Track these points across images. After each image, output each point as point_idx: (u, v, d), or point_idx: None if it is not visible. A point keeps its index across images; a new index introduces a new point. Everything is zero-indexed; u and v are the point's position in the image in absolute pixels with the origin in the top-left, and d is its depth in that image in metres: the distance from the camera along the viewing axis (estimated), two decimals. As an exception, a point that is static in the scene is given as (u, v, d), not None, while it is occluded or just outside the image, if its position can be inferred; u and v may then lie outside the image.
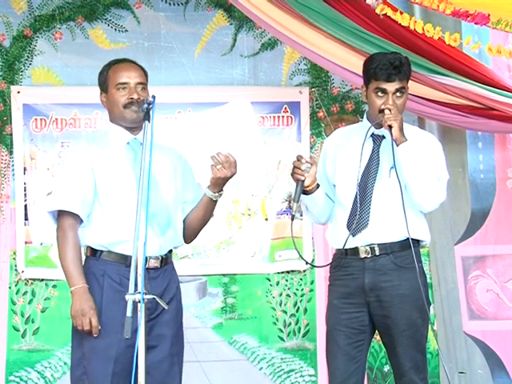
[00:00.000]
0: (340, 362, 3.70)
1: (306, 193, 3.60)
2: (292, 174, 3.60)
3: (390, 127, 3.46)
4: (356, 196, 3.66)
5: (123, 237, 3.20)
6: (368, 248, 3.63)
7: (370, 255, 3.64)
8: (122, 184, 3.30)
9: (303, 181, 3.45)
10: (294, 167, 3.53)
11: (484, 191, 5.26)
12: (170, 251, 3.36)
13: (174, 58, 5.30)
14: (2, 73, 5.07)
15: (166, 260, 3.33)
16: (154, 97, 3.13)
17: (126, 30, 5.15)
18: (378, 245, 3.62)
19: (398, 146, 3.48)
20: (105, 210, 3.27)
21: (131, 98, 3.25)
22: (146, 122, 3.10)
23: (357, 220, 3.64)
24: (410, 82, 3.79)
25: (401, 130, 3.49)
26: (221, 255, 5.24)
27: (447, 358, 5.04)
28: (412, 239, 3.59)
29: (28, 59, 5.13)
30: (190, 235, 3.48)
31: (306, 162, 3.42)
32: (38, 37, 5.16)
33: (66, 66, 5.23)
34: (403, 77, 3.56)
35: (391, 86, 3.53)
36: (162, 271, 3.31)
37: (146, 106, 3.14)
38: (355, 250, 3.67)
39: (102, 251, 3.25)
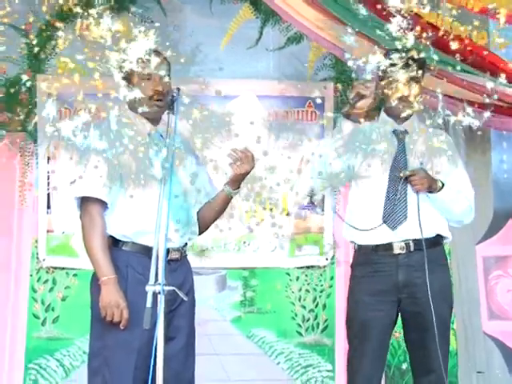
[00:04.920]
0: (368, 360, 3.70)
1: None
2: None
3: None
4: (388, 190, 3.67)
5: (147, 228, 3.18)
6: (403, 244, 3.62)
7: (404, 251, 3.64)
8: (145, 175, 3.30)
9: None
10: None
11: (507, 191, 5.26)
12: (186, 244, 3.40)
13: (199, 50, 5.31)
14: (27, 62, 5.08)
15: (184, 252, 3.37)
16: (178, 89, 3.14)
17: (152, 22, 5.11)
18: (413, 240, 3.61)
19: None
20: (129, 199, 3.27)
21: (156, 90, 3.26)
22: (170, 114, 3.13)
23: (395, 214, 3.65)
24: (435, 79, 3.83)
25: (429, 186, 3.58)
26: (241, 249, 5.27)
27: (466, 357, 5.05)
28: (440, 236, 3.65)
29: (53, 49, 5.15)
30: (202, 228, 3.51)
31: None
32: (63, 26, 5.11)
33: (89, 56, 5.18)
34: (417, 66, 3.60)
35: (408, 71, 3.57)
36: (181, 263, 3.34)
37: (169, 98, 3.14)
38: (388, 246, 3.65)
39: (124, 242, 3.26)
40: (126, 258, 3.23)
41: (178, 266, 3.30)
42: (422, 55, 3.64)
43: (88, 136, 3.53)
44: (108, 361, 3.20)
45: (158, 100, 3.28)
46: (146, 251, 3.18)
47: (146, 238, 3.21)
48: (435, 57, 3.80)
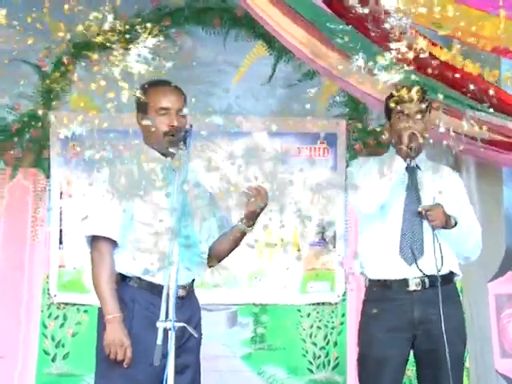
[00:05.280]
0: None
1: None
2: None
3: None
4: (404, 225, 3.68)
5: (155, 266, 3.20)
6: (419, 280, 3.61)
7: (420, 287, 3.63)
8: (156, 212, 3.30)
9: None
10: None
11: (520, 228, 5.31)
12: (193, 280, 3.40)
13: (212, 86, 5.35)
14: (41, 99, 5.13)
15: (190, 288, 3.37)
16: (191, 126, 3.14)
17: (164, 59, 5.07)
18: (428, 277, 3.60)
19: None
20: (138, 237, 3.28)
21: (172, 126, 3.27)
22: (182, 150, 3.12)
23: (412, 249, 3.64)
24: (445, 116, 3.93)
25: (445, 221, 3.62)
26: (252, 285, 5.25)
27: None
28: (452, 272, 3.66)
29: (66, 85, 5.18)
30: (214, 260, 3.51)
31: None
32: (76, 64, 5.19)
33: (102, 92, 5.21)
34: (423, 100, 3.68)
35: (412, 107, 3.65)
36: (188, 299, 3.35)
37: (183, 134, 3.14)
38: (403, 282, 3.65)
39: (131, 278, 3.27)
40: (132, 292, 3.24)
41: (184, 302, 3.31)
42: (427, 91, 3.75)
43: (101, 172, 3.56)
44: None
45: (172, 135, 3.29)
46: (151, 287, 3.22)
47: (152, 277, 3.24)
48: (441, 94, 3.89)
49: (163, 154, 3.33)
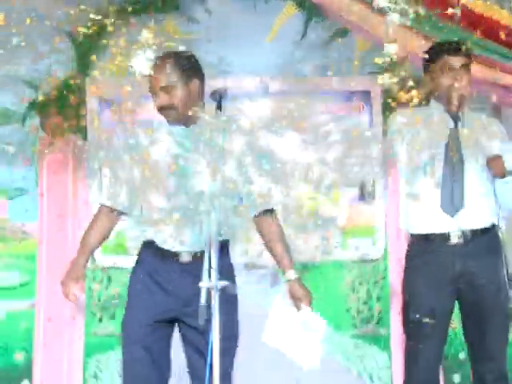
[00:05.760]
0: (427, 350, 3.76)
1: None
2: None
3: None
4: (444, 178, 3.69)
5: (167, 233, 3.31)
6: (460, 233, 3.64)
7: (461, 240, 3.66)
8: (168, 179, 3.35)
9: None
10: None
11: None
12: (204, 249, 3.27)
13: (244, 48, 5.28)
14: (77, 65, 5.14)
15: (198, 254, 3.34)
16: (226, 89, 3.16)
17: (198, 22, 5.20)
18: (470, 230, 3.64)
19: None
20: (150, 204, 3.37)
21: (159, 107, 3.37)
22: (216, 115, 3.13)
23: (453, 201, 3.67)
24: (485, 68, 4.12)
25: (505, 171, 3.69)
26: (294, 242, 5.09)
27: None
28: (494, 225, 3.69)
29: (102, 51, 5.12)
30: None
31: None
32: (114, 25, 5.09)
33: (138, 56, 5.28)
34: (467, 54, 3.73)
35: (458, 60, 3.68)
36: (195, 265, 3.30)
37: (217, 97, 3.16)
38: (445, 236, 3.68)
39: (145, 242, 3.39)
40: (142, 255, 3.43)
41: (190, 268, 3.34)
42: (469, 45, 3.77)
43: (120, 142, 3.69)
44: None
45: (165, 113, 3.37)
46: (161, 251, 3.35)
47: (164, 242, 3.33)
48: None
49: (184, 124, 3.37)
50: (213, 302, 2.83)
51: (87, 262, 3.50)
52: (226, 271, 3.27)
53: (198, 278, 2.93)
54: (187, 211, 3.34)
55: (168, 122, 3.41)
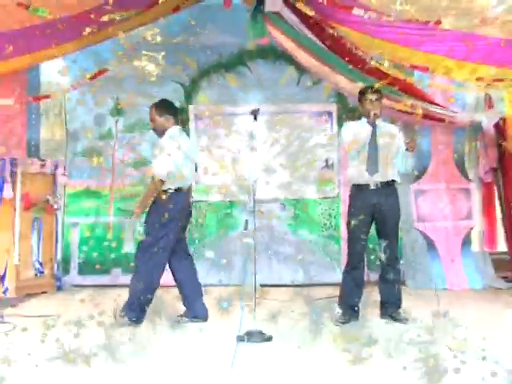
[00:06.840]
0: (359, 243, 4.86)
1: None
2: None
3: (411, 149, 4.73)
4: (370, 153, 4.76)
5: (188, 181, 4.51)
6: (376, 183, 4.80)
7: (376, 187, 4.79)
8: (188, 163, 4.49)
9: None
10: None
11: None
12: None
13: (257, 90, 7.27)
14: (184, 98, 7.27)
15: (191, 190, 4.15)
16: (258, 109, 4.38)
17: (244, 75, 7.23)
18: (381, 182, 4.81)
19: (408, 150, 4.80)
20: (184, 169, 4.52)
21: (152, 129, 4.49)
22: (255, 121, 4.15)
23: (372, 167, 4.76)
24: (387, 101, 5.24)
25: (413, 148, 4.74)
26: (291, 189, 7.05)
27: (405, 240, 6.81)
28: (394, 180, 4.89)
29: (197, 90, 7.37)
30: None
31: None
32: (203, 78, 7.36)
33: (214, 94, 7.38)
34: (379, 94, 4.87)
35: (374, 96, 4.83)
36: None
37: (254, 113, 4.25)
38: (368, 185, 4.81)
39: (175, 188, 4.49)
40: (173, 196, 4.47)
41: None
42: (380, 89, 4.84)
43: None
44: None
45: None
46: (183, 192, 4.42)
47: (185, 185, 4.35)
48: (387, 90, 5.15)
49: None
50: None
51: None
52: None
53: None
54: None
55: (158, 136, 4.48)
